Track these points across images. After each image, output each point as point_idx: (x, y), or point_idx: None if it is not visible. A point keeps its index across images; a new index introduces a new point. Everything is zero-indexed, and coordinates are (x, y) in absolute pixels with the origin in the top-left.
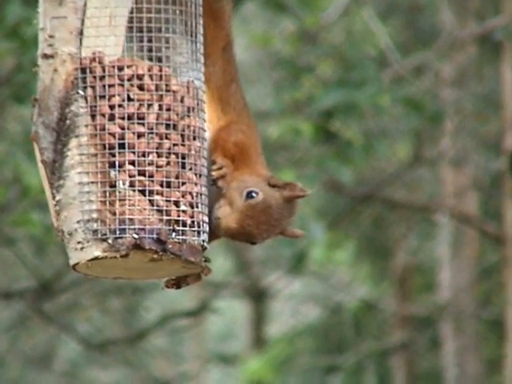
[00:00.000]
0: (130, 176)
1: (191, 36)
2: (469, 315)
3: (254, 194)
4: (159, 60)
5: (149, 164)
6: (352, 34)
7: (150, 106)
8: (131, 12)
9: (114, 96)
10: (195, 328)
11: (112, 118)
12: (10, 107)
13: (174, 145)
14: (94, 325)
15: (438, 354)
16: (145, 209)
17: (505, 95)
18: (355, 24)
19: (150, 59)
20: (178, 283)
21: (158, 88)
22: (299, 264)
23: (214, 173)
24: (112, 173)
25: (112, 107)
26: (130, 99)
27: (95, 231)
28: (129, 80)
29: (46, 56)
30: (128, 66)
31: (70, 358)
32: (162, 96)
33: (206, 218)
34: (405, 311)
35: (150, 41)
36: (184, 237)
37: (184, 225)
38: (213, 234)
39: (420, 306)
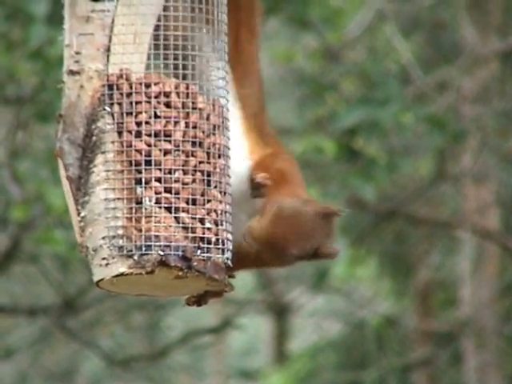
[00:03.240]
0: (156, 193)
1: (217, 54)
2: (490, 331)
3: (282, 204)
4: (185, 78)
5: (175, 181)
6: (375, 51)
7: (176, 123)
8: (158, 29)
9: (140, 113)
10: (217, 344)
11: (138, 134)
12: (33, 125)
13: (200, 162)
14: (117, 341)
15: (460, 370)
16: (170, 226)
17: None
18: (378, 40)
19: (177, 77)
20: (199, 301)
21: (184, 105)
22: (321, 281)
23: (258, 177)
24: (138, 189)
25: (139, 124)
26: (156, 116)
27: (121, 247)
28: (156, 97)
29: (72, 72)
30: (155, 83)
31: (92, 374)
32: (188, 113)
33: (230, 236)
34: (426, 327)
35: (176, 58)
36: (209, 254)
37: (209, 242)
38: (244, 263)
39: (442, 322)
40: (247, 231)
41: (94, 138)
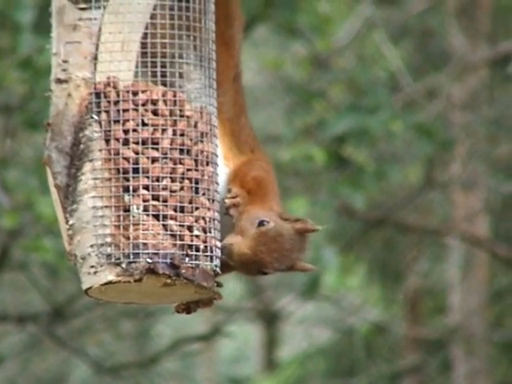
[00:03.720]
0: (143, 200)
1: (204, 62)
2: (480, 338)
3: (265, 223)
4: (172, 85)
5: (163, 189)
6: (363, 58)
7: (164, 131)
8: (145, 37)
9: (128, 121)
10: (207, 351)
11: (126, 142)
12: (22, 133)
13: (188, 170)
14: (106, 349)
15: (450, 377)
16: (158, 233)
17: None
18: (367, 48)
19: (164, 84)
20: (188, 308)
21: (172, 113)
22: (312, 289)
23: (227, 200)
24: (126, 197)
25: (126, 132)
26: (144, 124)
27: (109, 255)
28: (143, 105)
29: (59, 81)
30: (142, 91)
31: (81, 382)
32: (176, 121)
33: (218, 243)
34: (416, 334)
35: (163, 66)
36: (197, 262)
37: (197, 250)
38: (225, 267)
39: (431, 329)
40: (228, 249)
41: (82, 146)
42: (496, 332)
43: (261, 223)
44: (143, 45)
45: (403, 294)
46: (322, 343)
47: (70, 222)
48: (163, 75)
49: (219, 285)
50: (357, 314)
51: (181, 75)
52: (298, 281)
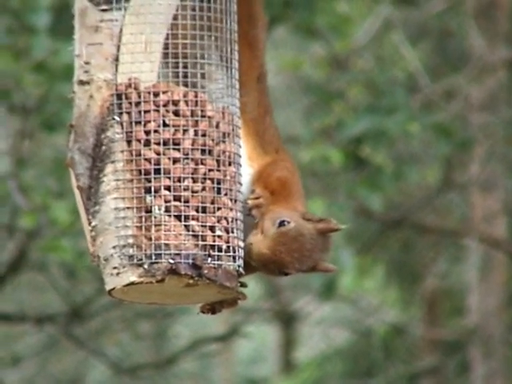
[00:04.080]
0: (165, 201)
1: (226, 62)
2: (498, 339)
3: (285, 223)
4: (194, 86)
5: (184, 189)
6: (382, 59)
7: (185, 131)
8: (167, 38)
9: (149, 122)
10: (224, 352)
11: (147, 143)
12: (39, 134)
13: (210, 170)
14: (124, 349)
15: (467, 379)
16: (180, 234)
17: None
18: (385, 49)
19: (186, 85)
20: (213, 308)
21: (193, 114)
22: (330, 289)
23: (250, 201)
24: (148, 198)
25: (147, 133)
26: (165, 125)
27: (131, 256)
28: (164, 106)
29: (81, 82)
30: (163, 92)
31: (99, 383)
32: (197, 122)
33: (241, 244)
34: (433, 335)
35: (185, 67)
36: (219, 262)
37: (219, 250)
38: (248, 268)
39: (449, 331)
40: (247, 249)
41: (104, 147)
42: None
43: (281, 223)
44: (165, 45)
45: (421, 296)
46: (340, 344)
47: (93, 224)
48: (185, 76)
49: (243, 285)
50: (374, 315)
51: (203, 75)
52: (316, 282)
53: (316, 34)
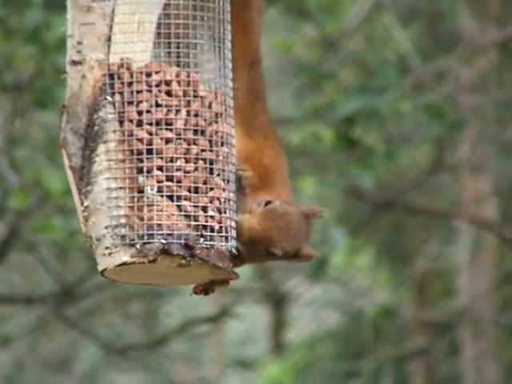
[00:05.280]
0: (157, 181)
1: (219, 42)
2: (488, 321)
3: (272, 202)
4: (187, 66)
5: (177, 169)
6: (373, 40)
7: (177, 111)
8: (159, 18)
9: (141, 102)
10: (215, 333)
11: (140, 123)
12: (31, 112)
13: (202, 150)
14: (115, 330)
15: (457, 360)
16: (173, 214)
17: None
18: (376, 30)
19: (178, 65)
20: (205, 289)
21: (185, 94)
22: (320, 270)
23: (240, 171)
24: (140, 178)
25: (140, 113)
26: (157, 105)
27: (123, 237)
28: (157, 86)
29: (74, 62)
30: (156, 72)
31: (89, 363)
32: (189, 102)
33: (233, 224)
34: (424, 317)
35: (177, 47)
36: (212, 242)
37: (212, 230)
38: (239, 258)
39: (439, 312)
40: (236, 226)
41: (96, 127)
42: (504, 315)
43: (268, 202)
44: (157, 25)
45: (411, 277)
46: (331, 326)
47: (85, 204)
48: (177, 56)
49: (236, 265)
50: (365, 296)
51: (195, 56)
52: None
53: (307, 16)
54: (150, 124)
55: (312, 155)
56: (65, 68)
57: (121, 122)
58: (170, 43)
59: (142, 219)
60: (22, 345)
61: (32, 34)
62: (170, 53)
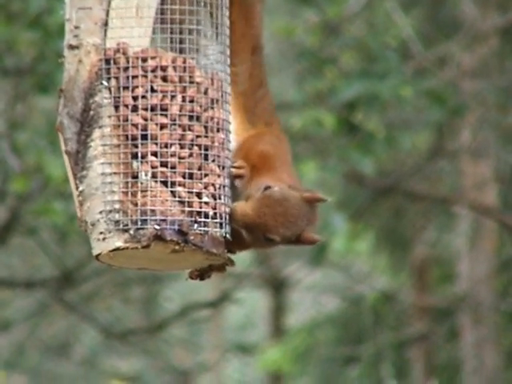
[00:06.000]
0: (152, 167)
1: (217, 28)
2: (487, 307)
3: (271, 188)
4: (183, 52)
5: (171, 155)
6: (374, 26)
7: (173, 97)
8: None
9: (137, 87)
10: (214, 318)
11: (135, 109)
12: (32, 97)
13: (197, 136)
14: (115, 314)
15: (457, 346)
16: (167, 200)
17: None
18: (378, 15)
19: (174, 51)
20: (201, 274)
21: (181, 79)
22: (320, 255)
23: (233, 169)
24: (134, 164)
25: (135, 98)
26: (153, 90)
27: (117, 222)
28: (152, 71)
29: (71, 47)
30: (152, 58)
31: (88, 347)
32: (185, 87)
33: (228, 210)
34: (423, 302)
35: (173, 32)
36: (206, 228)
37: (206, 216)
38: (237, 244)
39: (438, 298)
40: (231, 212)
41: (92, 112)
42: (503, 301)
43: (267, 188)
44: (155, 11)
45: (411, 263)
46: (330, 311)
47: (80, 188)
48: (174, 41)
49: (232, 251)
50: (365, 281)
51: (192, 41)
52: (306, 248)
53: (309, 1)
54: (145, 109)
55: (313, 140)
56: (63, 52)
57: (116, 107)
58: (166, 28)
59: (135, 205)
60: (21, 329)
61: (34, 19)
62: (166, 38)
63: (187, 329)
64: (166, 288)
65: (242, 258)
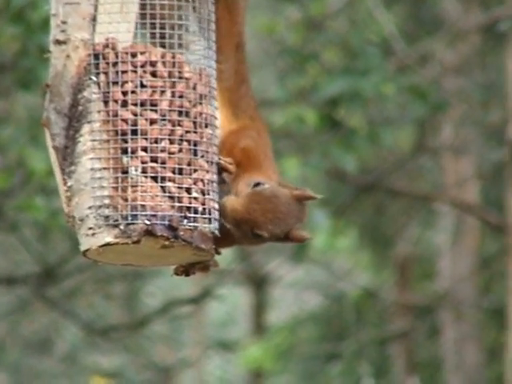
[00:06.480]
0: (142, 162)
1: (204, 24)
2: (469, 304)
3: (261, 184)
4: (172, 47)
5: (161, 151)
6: (357, 23)
7: (162, 92)
8: None
9: (126, 82)
10: (196, 314)
11: (125, 104)
12: (15, 92)
13: (187, 132)
14: (96, 311)
15: (438, 343)
16: (157, 195)
17: (508, 85)
18: (360, 12)
19: (163, 46)
20: (187, 271)
21: (170, 75)
22: (302, 252)
23: (221, 162)
24: (124, 159)
25: (125, 93)
26: (142, 86)
27: (107, 217)
28: (142, 66)
29: (58, 42)
30: (141, 53)
31: (70, 343)
32: (174, 83)
33: (217, 206)
34: (405, 299)
35: (162, 28)
36: (195, 224)
37: (195, 212)
38: (225, 240)
39: (420, 295)
40: (221, 208)
41: (80, 107)
42: (484, 298)
43: (257, 184)
44: (142, 6)
45: (393, 260)
46: (312, 308)
47: (69, 184)
48: (162, 37)
49: (218, 252)
50: (347, 278)
51: (180, 37)
52: (288, 244)
53: None
54: (135, 105)
55: (295, 137)
56: (49, 47)
57: (105, 103)
58: (155, 24)
59: (125, 200)
60: (2, 325)
61: (17, 13)
62: (155, 33)
63: (169, 325)
64: (147, 284)
65: (224, 255)
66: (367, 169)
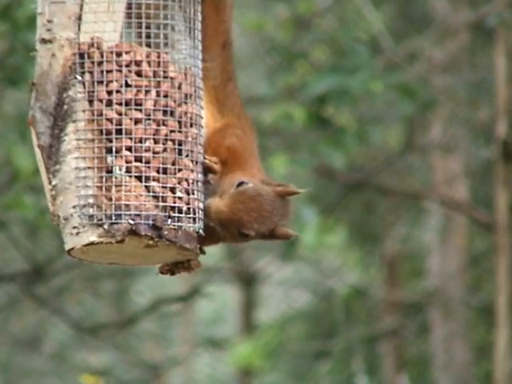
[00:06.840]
0: (126, 162)
1: (189, 23)
2: (458, 302)
3: (244, 184)
4: (157, 46)
5: (145, 150)
6: (345, 21)
7: (147, 92)
8: None
9: (111, 82)
10: (185, 312)
11: (109, 103)
12: (2, 90)
13: (171, 131)
14: (85, 308)
15: (427, 340)
16: (141, 195)
17: (497, 83)
18: (348, 10)
19: (148, 46)
20: (172, 269)
21: (155, 74)
22: (291, 249)
23: (206, 161)
24: (109, 158)
25: (110, 93)
26: (127, 85)
27: (91, 216)
28: (127, 66)
29: (44, 41)
30: (126, 52)
31: (59, 341)
32: (159, 82)
33: (201, 205)
34: (394, 297)
35: (148, 27)
36: (180, 223)
37: (180, 211)
38: (210, 237)
39: (409, 293)
40: (206, 210)
41: (66, 106)
42: (473, 296)
43: (240, 184)
44: (128, 6)
45: (382, 257)
46: (302, 306)
47: (53, 183)
48: (148, 36)
49: (203, 252)
50: (336, 276)
51: (165, 36)
52: (277, 242)
53: None
54: (120, 104)
55: (284, 134)
56: (35, 46)
57: (90, 102)
58: (140, 23)
59: (110, 199)
60: None
61: (3, 11)
62: (140, 33)
63: (158, 323)
64: (136, 282)
65: (213, 253)
66: (356, 167)
